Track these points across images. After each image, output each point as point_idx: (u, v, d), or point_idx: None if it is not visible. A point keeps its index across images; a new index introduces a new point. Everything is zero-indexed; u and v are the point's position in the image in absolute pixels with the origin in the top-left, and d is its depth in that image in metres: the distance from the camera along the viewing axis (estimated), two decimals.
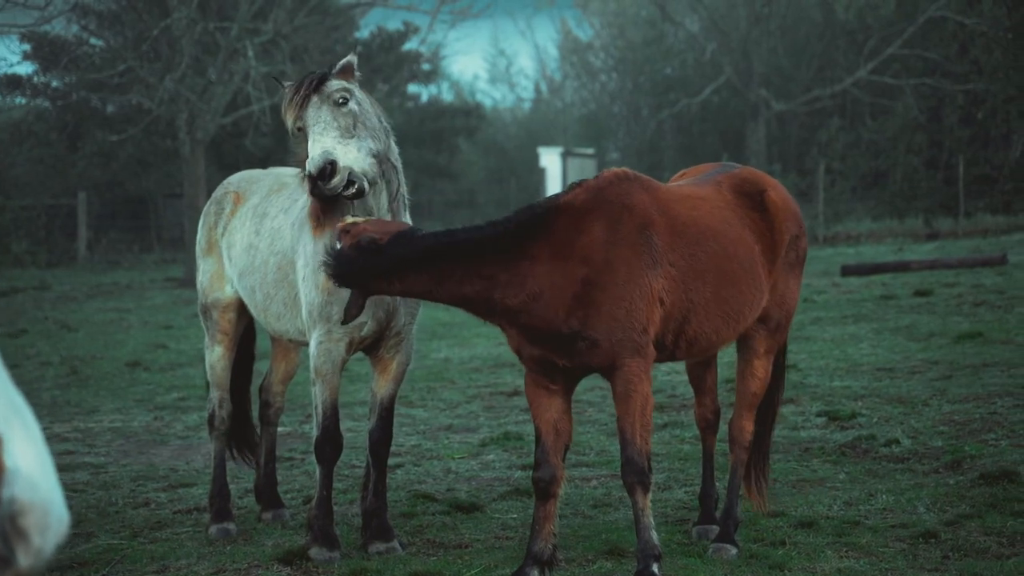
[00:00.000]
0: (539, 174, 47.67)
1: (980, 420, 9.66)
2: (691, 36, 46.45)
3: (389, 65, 39.06)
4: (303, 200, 6.91)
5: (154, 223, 37.28)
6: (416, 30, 38.86)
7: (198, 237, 7.86)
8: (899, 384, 11.47)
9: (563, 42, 57.11)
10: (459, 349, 15.60)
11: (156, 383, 13.97)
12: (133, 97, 30.02)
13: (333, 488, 7.08)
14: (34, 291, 26.55)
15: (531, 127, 58.65)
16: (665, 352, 6.34)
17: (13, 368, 15.25)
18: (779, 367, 7.19)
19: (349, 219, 6.10)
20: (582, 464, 8.99)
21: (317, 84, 6.50)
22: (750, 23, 42.26)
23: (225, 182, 7.96)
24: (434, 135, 43.42)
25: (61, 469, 9.38)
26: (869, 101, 41.30)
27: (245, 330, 7.87)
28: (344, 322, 6.16)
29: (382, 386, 6.99)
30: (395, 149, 6.78)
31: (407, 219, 6.84)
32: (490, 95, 66.25)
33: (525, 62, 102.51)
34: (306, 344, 7.09)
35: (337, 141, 6.35)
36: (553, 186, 43.55)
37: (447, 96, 54.54)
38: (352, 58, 6.65)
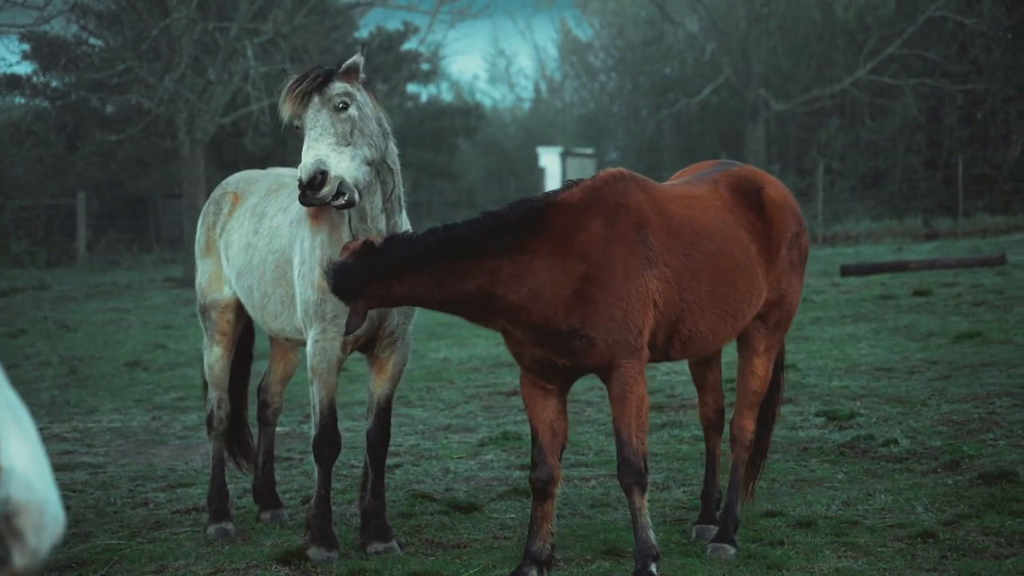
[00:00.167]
0: (538, 174, 47.69)
1: (979, 420, 9.66)
2: (690, 36, 46.45)
3: (388, 65, 39.05)
4: None
5: (153, 223, 37.28)
6: (415, 30, 38.88)
7: (197, 237, 7.86)
8: (898, 384, 11.47)
9: (562, 42, 57.11)
10: (458, 349, 15.60)
11: (155, 383, 13.97)
12: (132, 97, 30.02)
13: (331, 488, 7.08)
14: (33, 291, 26.55)
15: (530, 127, 58.66)
16: (658, 352, 6.34)
17: (12, 368, 15.26)
18: (778, 367, 7.19)
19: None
20: (580, 464, 8.99)
21: (320, 83, 6.45)
22: (749, 23, 42.27)
23: (224, 182, 7.96)
24: (433, 135, 43.42)
25: (60, 469, 9.38)
26: (868, 101, 41.30)
27: (244, 330, 7.87)
28: (347, 333, 6.15)
29: (379, 386, 6.99)
30: (393, 151, 6.72)
31: (403, 220, 6.82)
32: (490, 95, 66.27)
33: (524, 62, 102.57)
34: (303, 343, 7.09)
35: (332, 148, 6.29)
36: (552, 186, 43.41)
37: (447, 96, 54.56)
38: (358, 59, 6.57)
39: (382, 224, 6.59)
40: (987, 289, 17.90)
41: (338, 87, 6.45)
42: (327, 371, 6.78)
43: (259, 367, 8.66)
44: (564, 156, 48.24)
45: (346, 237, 6.62)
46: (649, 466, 7.11)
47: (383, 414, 7.00)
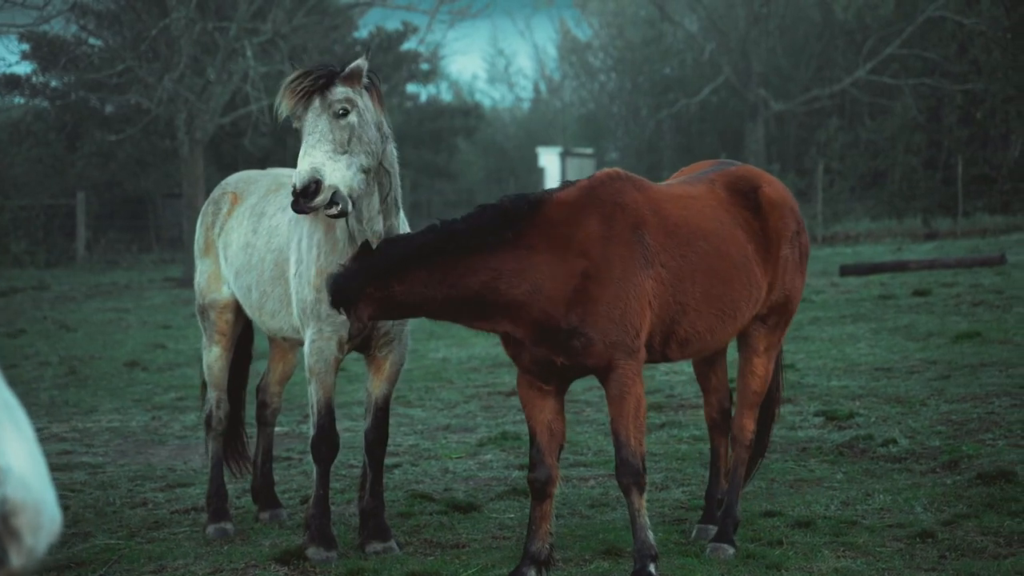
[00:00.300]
0: (538, 174, 47.69)
1: (978, 420, 9.67)
2: (690, 36, 46.44)
3: (388, 65, 39.04)
4: None
5: (153, 223, 37.27)
6: (415, 30, 38.86)
7: (196, 237, 7.86)
8: (897, 384, 11.47)
9: (562, 42, 57.10)
10: (457, 349, 15.60)
11: (154, 383, 13.97)
12: (132, 97, 30.02)
13: (330, 488, 7.08)
14: (33, 291, 26.55)
15: (530, 127, 58.65)
16: (655, 354, 6.34)
17: (11, 368, 15.25)
18: (776, 366, 7.19)
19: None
20: (579, 464, 8.99)
21: (323, 85, 6.39)
22: (749, 23, 42.26)
23: (223, 183, 7.96)
24: (433, 135, 43.42)
25: (59, 469, 9.38)
26: (868, 101, 41.30)
27: (243, 330, 7.87)
28: (349, 339, 6.16)
29: (376, 386, 6.99)
30: (392, 153, 6.65)
31: (401, 220, 6.81)
32: (489, 95, 66.25)
33: (524, 62, 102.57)
34: (301, 343, 7.10)
35: (328, 156, 6.24)
36: (552, 186, 43.52)
37: (446, 96, 54.55)
38: (362, 63, 6.49)
39: (379, 226, 6.58)
40: (986, 289, 17.90)
41: (340, 92, 6.39)
42: (324, 371, 6.78)
43: (258, 367, 8.66)
44: (563, 156, 48.25)
45: (343, 237, 6.62)
46: (648, 466, 7.13)
47: (381, 414, 7.00)
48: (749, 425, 6.91)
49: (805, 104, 42.31)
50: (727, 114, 45.99)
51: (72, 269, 32.00)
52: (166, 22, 27.61)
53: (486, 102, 60.32)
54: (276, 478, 8.20)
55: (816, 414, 10.23)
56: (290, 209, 7.06)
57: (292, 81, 6.44)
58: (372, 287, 5.91)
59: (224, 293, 7.61)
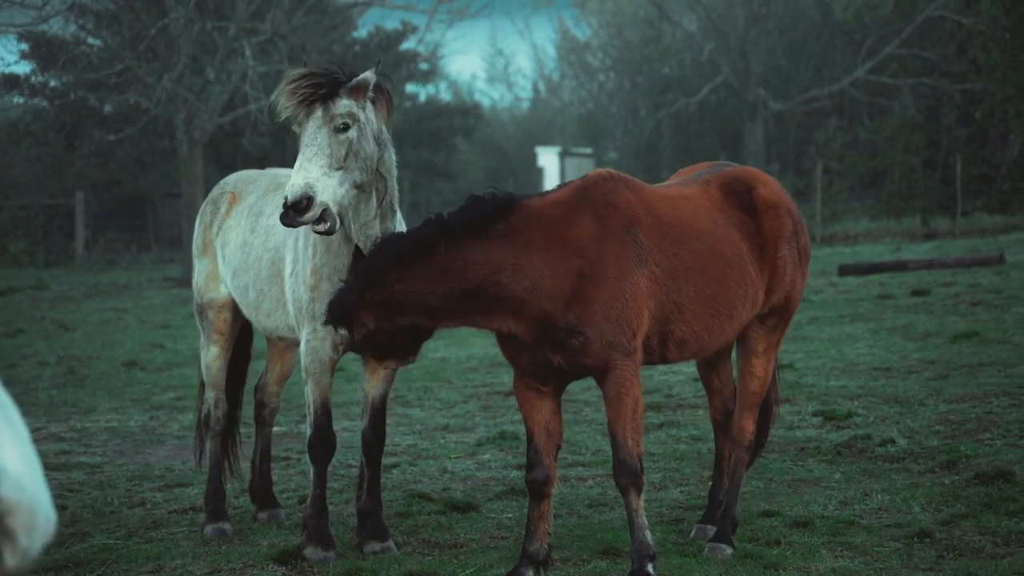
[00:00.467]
0: (537, 174, 47.68)
1: (976, 420, 9.67)
2: (689, 36, 46.44)
3: (387, 64, 38.98)
4: None
5: (152, 223, 37.27)
6: (414, 29, 38.86)
7: (194, 237, 7.87)
8: (895, 384, 11.47)
9: (561, 42, 57.09)
10: (456, 349, 15.60)
11: (153, 383, 13.97)
12: (131, 97, 30.01)
13: (328, 488, 7.08)
14: (31, 291, 26.54)
15: (529, 127, 58.64)
16: (653, 355, 6.34)
17: (10, 368, 15.26)
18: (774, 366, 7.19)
19: None
20: (578, 464, 8.99)
21: (327, 95, 6.34)
22: (748, 23, 42.25)
23: (222, 182, 7.97)
24: (432, 135, 43.41)
25: (57, 469, 9.38)
26: (867, 101, 41.30)
27: (242, 330, 7.86)
28: (354, 347, 6.15)
29: (373, 386, 6.99)
30: (390, 159, 6.61)
31: (397, 223, 6.79)
32: (488, 95, 66.23)
33: (523, 62, 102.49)
34: (297, 342, 7.10)
35: (323, 171, 6.20)
36: (551, 186, 43.50)
37: (445, 96, 54.55)
38: (369, 77, 6.42)
39: (376, 230, 6.56)
40: (985, 289, 17.91)
41: (343, 105, 6.33)
42: (320, 371, 6.79)
43: (257, 367, 8.66)
44: (562, 156, 48.25)
45: (339, 239, 6.61)
46: (646, 466, 7.13)
47: (378, 414, 7.00)
48: (749, 426, 6.91)
49: (804, 104, 42.31)
50: (726, 114, 45.98)
51: (71, 269, 31.99)
52: (165, 22, 27.61)
53: (485, 102, 60.35)
54: (274, 478, 8.20)
55: (814, 414, 10.23)
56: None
57: (295, 81, 6.39)
58: (371, 291, 5.90)
59: (222, 292, 7.62)
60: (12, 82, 34.47)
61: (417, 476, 8.86)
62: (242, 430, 8.24)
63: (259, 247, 7.24)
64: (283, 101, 6.39)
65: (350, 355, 7.23)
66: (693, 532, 7.05)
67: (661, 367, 12.60)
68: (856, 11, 39.30)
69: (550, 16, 55.75)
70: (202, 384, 7.89)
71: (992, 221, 33.05)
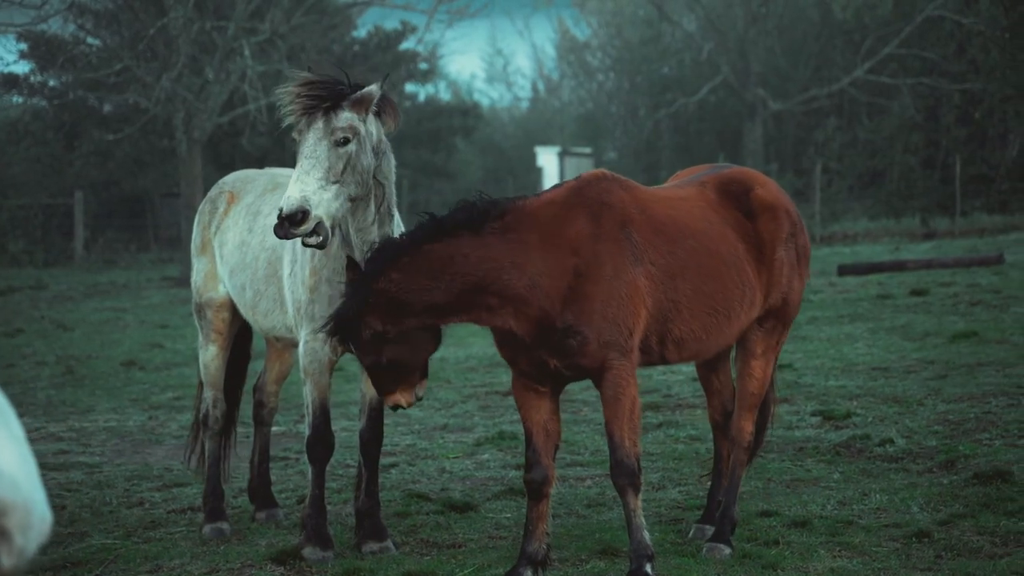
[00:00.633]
0: (536, 173, 47.69)
1: (974, 420, 9.67)
2: (688, 35, 46.45)
3: (386, 64, 39.01)
4: None
5: (151, 222, 37.27)
6: (413, 29, 38.86)
7: (193, 236, 7.87)
8: (894, 384, 11.47)
9: (560, 41, 57.09)
10: (455, 349, 15.60)
11: (151, 382, 13.97)
12: (130, 96, 30.01)
13: (327, 488, 7.07)
14: (30, 290, 26.54)
15: (528, 126, 58.65)
16: (653, 355, 6.35)
17: (9, 368, 15.26)
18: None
19: None
20: (576, 464, 8.99)
21: (328, 109, 6.30)
22: (747, 23, 42.26)
23: (220, 182, 7.97)
24: (431, 134, 43.41)
25: (56, 468, 9.38)
26: (866, 101, 41.31)
27: (242, 330, 7.86)
28: (366, 360, 6.13)
29: (371, 386, 6.98)
30: (387, 167, 6.58)
31: (395, 227, 6.78)
32: (487, 94, 66.21)
33: (522, 61, 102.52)
34: (294, 342, 7.10)
35: (319, 185, 6.17)
36: (550, 186, 43.47)
37: (444, 95, 54.53)
38: (374, 91, 6.37)
39: (374, 235, 6.56)
40: (984, 289, 17.91)
41: (344, 118, 6.29)
42: (318, 372, 6.79)
43: (257, 366, 8.66)
44: (562, 156, 48.25)
45: (338, 241, 6.60)
46: (645, 466, 7.13)
47: (375, 414, 7.00)
48: (747, 427, 6.91)
49: (803, 104, 42.32)
50: (725, 114, 45.99)
51: (70, 268, 31.99)
52: (164, 21, 27.61)
53: (484, 102, 60.35)
54: (273, 478, 8.20)
55: (813, 414, 10.23)
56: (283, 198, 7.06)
57: (298, 87, 6.35)
58: (375, 294, 5.90)
59: (220, 292, 7.62)
60: (11, 82, 34.47)
61: (416, 476, 8.86)
62: (241, 430, 8.24)
63: (256, 247, 7.24)
64: (285, 107, 6.36)
65: (348, 355, 7.23)
66: (691, 532, 7.05)
67: (660, 367, 12.59)
68: (855, 11, 39.29)
69: (549, 16, 55.78)
70: (201, 384, 7.89)
71: (991, 221, 33.05)
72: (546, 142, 52.62)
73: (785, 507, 7.49)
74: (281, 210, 6.11)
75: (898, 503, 7.46)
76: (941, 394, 10.75)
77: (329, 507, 7.32)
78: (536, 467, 6.26)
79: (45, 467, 9.42)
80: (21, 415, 11.85)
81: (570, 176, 7.29)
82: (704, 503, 7.32)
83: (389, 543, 6.94)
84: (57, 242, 34.10)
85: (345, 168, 6.26)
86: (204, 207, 7.80)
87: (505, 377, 12.94)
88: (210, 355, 7.73)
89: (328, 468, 7.04)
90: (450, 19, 32.64)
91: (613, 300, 6.04)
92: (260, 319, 7.26)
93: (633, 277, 6.11)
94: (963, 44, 37.45)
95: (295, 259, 6.85)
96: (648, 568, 6.10)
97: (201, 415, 7.84)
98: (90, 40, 33.46)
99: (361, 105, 6.35)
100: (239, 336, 7.90)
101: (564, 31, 56.20)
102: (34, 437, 10.76)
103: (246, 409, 8.34)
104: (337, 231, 6.46)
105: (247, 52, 28.12)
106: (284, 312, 7.04)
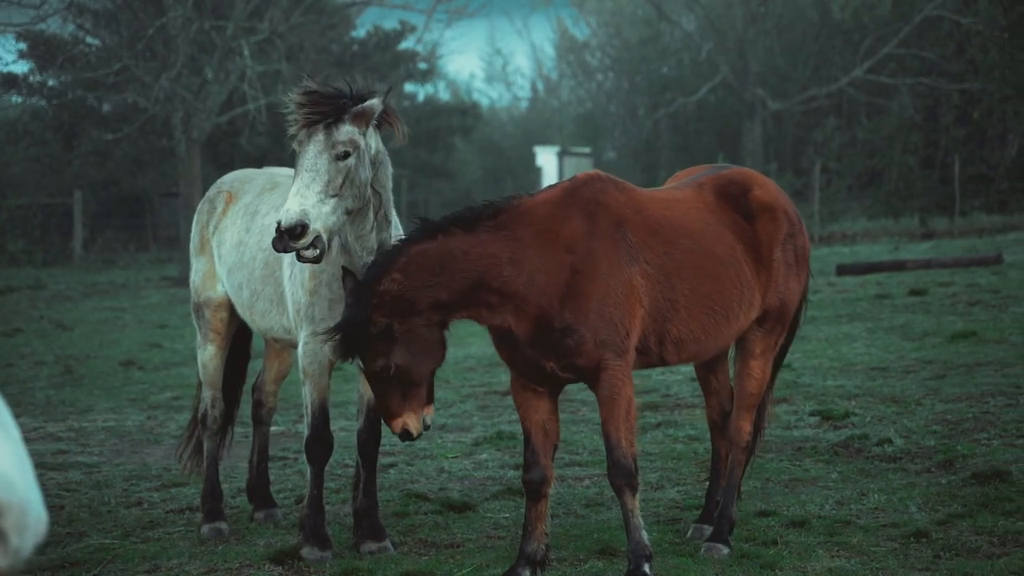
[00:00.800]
0: (535, 173, 47.71)
1: (973, 419, 9.67)
2: (687, 35, 46.46)
3: (385, 64, 39.04)
4: None
5: (150, 222, 37.28)
6: (412, 29, 38.87)
7: (192, 236, 7.87)
8: (892, 383, 11.47)
9: (559, 41, 57.11)
10: (454, 348, 15.55)
11: (150, 382, 13.97)
12: (129, 96, 30.01)
13: (325, 488, 7.07)
14: (29, 290, 26.54)
15: (527, 126, 58.67)
16: (652, 356, 6.35)
17: (8, 367, 15.25)
18: (772, 366, 7.19)
19: None
20: (575, 463, 8.99)
21: (330, 122, 6.27)
22: (746, 22, 42.27)
23: (219, 181, 7.97)
24: (430, 134, 43.42)
25: (54, 468, 9.38)
26: (865, 100, 41.32)
27: (241, 329, 7.85)
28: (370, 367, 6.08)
29: (368, 387, 6.98)
30: (384, 176, 6.56)
31: (392, 232, 6.78)
32: (486, 94, 66.23)
33: (521, 61, 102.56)
34: (291, 342, 7.10)
35: (319, 198, 6.16)
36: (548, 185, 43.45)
37: (443, 95, 54.55)
38: (376, 105, 6.35)
39: (372, 241, 6.57)
40: (983, 289, 17.91)
41: (345, 132, 6.27)
42: (318, 373, 6.79)
43: (256, 366, 8.66)
44: (561, 155, 48.27)
45: (336, 244, 6.60)
46: (643, 466, 7.14)
47: (373, 415, 7.00)
48: (746, 427, 6.91)
49: (802, 104, 42.33)
50: (724, 113, 46.00)
51: (69, 268, 31.99)
52: (163, 21, 27.61)
53: (483, 101, 60.35)
54: (271, 477, 8.19)
55: (812, 414, 10.23)
56: (283, 209, 7.07)
57: (301, 99, 6.32)
58: (379, 294, 5.90)
59: (219, 291, 7.62)
60: (10, 81, 34.48)
61: (414, 476, 8.86)
62: (240, 429, 8.24)
63: (253, 247, 7.24)
64: (288, 117, 6.35)
65: None
66: (690, 532, 7.06)
67: (659, 367, 12.59)
68: (854, 11, 39.31)
69: (548, 16, 55.78)
70: (200, 383, 7.89)
71: (990, 221, 33.05)
72: (545, 142, 52.63)
73: (783, 507, 7.49)
74: (280, 223, 6.10)
75: (896, 503, 7.46)
76: (939, 394, 10.75)
77: (327, 507, 7.32)
78: (535, 467, 6.26)
79: (44, 467, 9.42)
80: (20, 415, 11.89)
81: (569, 176, 7.25)
82: (702, 503, 7.32)
83: (387, 543, 6.94)
84: (56, 242, 34.10)
85: (344, 182, 6.25)
86: (202, 207, 7.80)
87: (504, 377, 12.94)
88: (208, 355, 7.73)
89: (327, 468, 7.03)
90: (449, 19, 32.67)
91: (610, 299, 6.05)
92: (257, 319, 7.26)
93: (628, 276, 6.12)
94: (962, 44, 37.45)
95: (295, 261, 6.84)
96: (646, 568, 6.10)
97: (199, 415, 7.84)
98: (89, 40, 33.46)
99: (362, 119, 6.33)
100: (238, 335, 7.90)
101: (563, 31, 56.21)
102: (33, 437, 10.76)
103: (245, 409, 8.34)
104: (336, 238, 6.46)
105: (246, 52, 28.12)
106: (281, 313, 7.04)
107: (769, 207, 6.73)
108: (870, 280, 20.22)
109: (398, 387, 5.98)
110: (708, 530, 6.89)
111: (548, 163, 48.39)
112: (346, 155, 6.26)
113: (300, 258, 6.18)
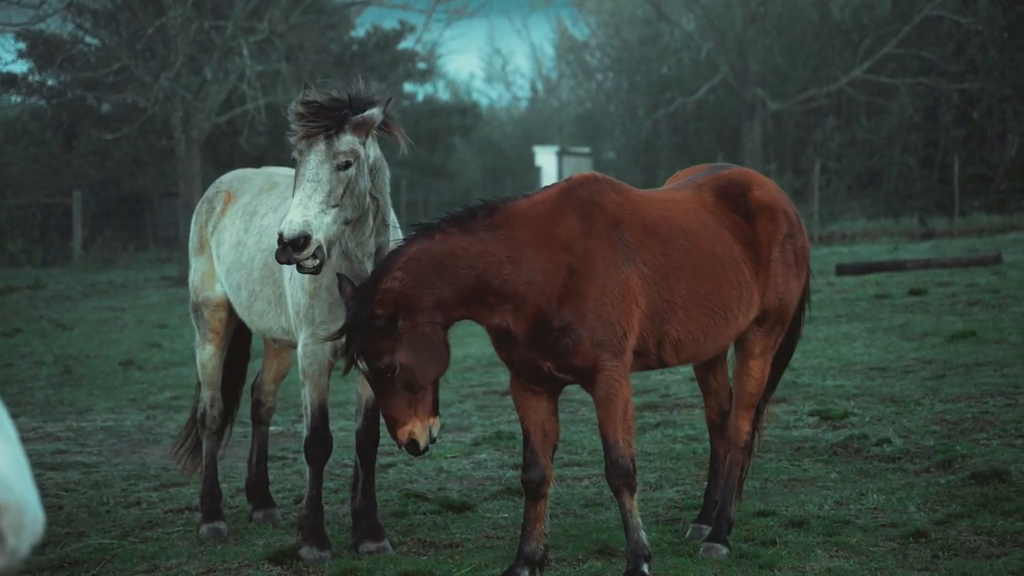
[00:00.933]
0: (535, 173, 47.73)
1: (972, 419, 9.67)
2: (687, 35, 46.47)
3: (384, 64, 39.05)
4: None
5: (149, 222, 37.28)
6: (412, 29, 38.87)
7: (190, 236, 7.87)
8: (892, 383, 11.47)
9: (559, 41, 57.13)
10: (453, 349, 15.56)
11: (149, 382, 13.97)
12: (128, 96, 30.01)
13: (324, 488, 7.07)
14: (29, 290, 26.54)
15: (527, 126, 58.69)
16: (651, 358, 6.35)
17: (7, 367, 15.25)
18: (774, 367, 7.19)
19: None
20: (574, 463, 8.99)
21: (331, 132, 6.26)
22: (746, 22, 42.28)
23: (217, 181, 7.97)
24: (430, 134, 43.42)
25: (53, 468, 9.38)
26: (865, 100, 41.33)
27: (241, 329, 7.85)
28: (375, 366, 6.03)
29: (367, 387, 6.98)
30: (382, 182, 6.57)
31: (391, 235, 6.78)
32: (486, 94, 66.26)
33: (521, 61, 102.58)
34: (290, 343, 7.10)
35: (320, 209, 6.16)
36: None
37: (443, 95, 54.58)
38: (376, 115, 6.35)
39: (371, 246, 6.58)
40: (982, 289, 17.91)
41: (346, 142, 6.26)
42: (318, 374, 6.79)
43: (256, 366, 8.66)
44: (560, 155, 48.28)
45: (338, 249, 6.59)
46: (642, 466, 7.14)
47: (371, 415, 7.01)
48: (744, 427, 6.91)
49: (802, 103, 42.34)
50: (724, 113, 46.01)
51: (68, 268, 31.99)
52: (162, 21, 27.60)
53: (483, 101, 60.39)
54: (270, 477, 8.19)
55: (811, 414, 10.23)
56: (281, 210, 7.10)
57: (302, 110, 6.32)
58: (382, 293, 5.91)
59: (217, 291, 7.62)
60: (10, 81, 34.47)
61: (413, 476, 8.86)
62: (239, 429, 8.23)
63: (252, 247, 7.24)
64: (292, 124, 6.33)
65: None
66: (688, 532, 7.05)
67: None
68: (854, 11, 39.32)
69: (548, 15, 55.80)
70: (199, 383, 7.89)
71: (989, 221, 33.06)
72: (545, 142, 52.65)
73: (782, 507, 7.49)
74: (282, 234, 6.08)
75: (895, 503, 7.46)
76: (939, 394, 10.75)
77: (326, 507, 7.31)
78: (534, 467, 6.26)
79: (42, 467, 9.42)
80: (19, 415, 11.89)
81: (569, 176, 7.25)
82: (701, 503, 7.32)
83: (386, 543, 6.94)
84: (55, 242, 34.11)
85: (345, 192, 6.26)
86: (201, 206, 7.80)
87: (503, 377, 12.94)
88: (207, 354, 7.73)
89: (325, 468, 7.04)
90: (448, 18, 32.65)
91: (607, 299, 6.05)
92: (256, 319, 7.26)
93: (625, 276, 6.12)
94: (961, 44, 37.46)
95: None
96: (645, 568, 6.10)
97: (198, 414, 7.84)
98: (88, 39, 33.46)
99: (362, 128, 6.33)
100: (238, 335, 7.90)
101: (563, 31, 56.23)
102: (32, 437, 10.76)
103: (245, 408, 8.33)
104: (336, 245, 6.46)
105: (245, 51, 28.12)
106: (279, 313, 7.04)
107: (769, 207, 6.73)
108: (869, 280, 20.22)
109: (403, 393, 5.94)
110: (707, 530, 6.89)
111: (548, 163, 48.41)
112: (347, 165, 6.26)
113: (300, 268, 6.18)
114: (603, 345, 6.04)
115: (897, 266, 21.44)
